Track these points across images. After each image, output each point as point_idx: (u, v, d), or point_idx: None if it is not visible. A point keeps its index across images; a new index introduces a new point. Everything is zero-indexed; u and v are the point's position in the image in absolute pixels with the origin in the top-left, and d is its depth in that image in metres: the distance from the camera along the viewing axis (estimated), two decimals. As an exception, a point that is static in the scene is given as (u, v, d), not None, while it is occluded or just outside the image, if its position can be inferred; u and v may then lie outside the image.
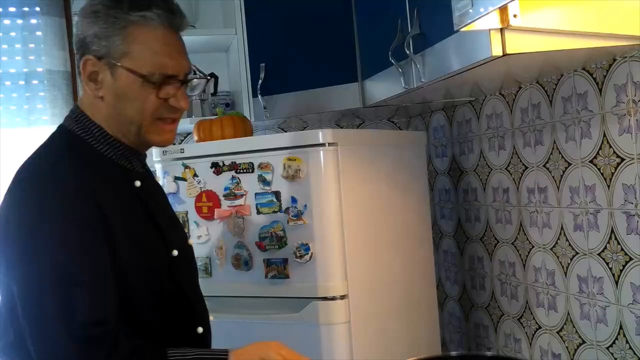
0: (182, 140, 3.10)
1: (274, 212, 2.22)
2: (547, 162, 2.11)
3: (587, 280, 1.96)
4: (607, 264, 1.87)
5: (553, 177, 2.08)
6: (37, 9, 2.83)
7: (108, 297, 1.29)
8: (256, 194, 2.24)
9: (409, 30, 1.94)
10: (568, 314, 2.07)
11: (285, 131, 3.14)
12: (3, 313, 1.34)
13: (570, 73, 1.95)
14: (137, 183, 1.46)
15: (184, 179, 2.37)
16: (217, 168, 2.31)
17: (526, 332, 2.33)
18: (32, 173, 1.37)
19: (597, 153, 1.87)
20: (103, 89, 1.40)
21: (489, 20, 1.44)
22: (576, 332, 2.04)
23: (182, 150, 2.38)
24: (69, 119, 1.45)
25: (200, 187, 2.34)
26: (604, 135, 1.83)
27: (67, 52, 2.86)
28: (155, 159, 2.42)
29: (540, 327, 2.24)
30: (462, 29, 1.47)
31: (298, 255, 2.18)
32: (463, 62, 1.67)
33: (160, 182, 2.28)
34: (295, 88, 2.62)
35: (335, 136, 2.19)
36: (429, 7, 1.85)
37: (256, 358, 1.36)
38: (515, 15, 1.42)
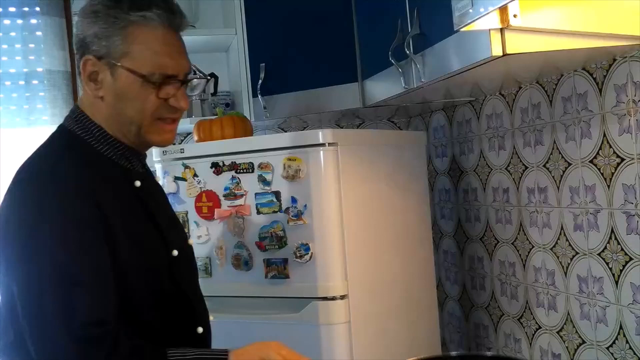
0: (182, 140, 3.10)
1: (274, 212, 2.22)
2: (547, 162, 2.11)
3: (587, 280, 1.96)
4: (607, 264, 1.87)
5: (553, 177, 2.08)
6: (37, 9, 2.83)
7: (108, 297, 1.29)
8: (256, 194, 2.24)
9: (409, 30, 1.94)
10: (568, 314, 2.07)
11: (285, 131, 3.14)
12: (3, 313, 1.34)
13: (570, 73, 1.95)
14: (137, 183, 1.46)
15: (184, 179, 2.37)
16: (217, 168, 2.31)
17: (526, 332, 2.33)
18: (32, 173, 1.37)
19: (597, 153, 1.87)
20: (103, 89, 1.40)
21: (489, 20, 1.44)
22: (576, 332, 2.04)
23: (182, 150, 2.38)
24: (69, 119, 1.45)
25: (200, 187, 2.34)
26: (604, 135, 1.83)
27: (67, 52, 2.86)
28: (155, 159, 2.42)
29: (540, 327, 2.24)
30: (462, 29, 1.47)
31: (298, 255, 2.18)
32: (463, 62, 1.67)
33: (160, 182, 2.28)
34: (295, 88, 2.62)
35: (335, 136, 2.19)
36: (429, 7, 1.85)
37: (256, 358, 1.36)
38: (515, 15, 1.42)
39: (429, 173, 2.88)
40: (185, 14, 1.46)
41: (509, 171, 2.34)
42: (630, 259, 1.78)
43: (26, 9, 2.84)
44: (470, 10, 1.38)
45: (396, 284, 2.37)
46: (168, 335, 1.41)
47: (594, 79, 1.85)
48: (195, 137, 2.48)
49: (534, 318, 2.27)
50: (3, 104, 2.83)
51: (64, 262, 1.26)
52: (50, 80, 2.83)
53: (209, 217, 2.33)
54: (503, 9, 1.42)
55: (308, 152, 2.18)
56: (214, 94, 2.75)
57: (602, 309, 1.91)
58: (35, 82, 2.85)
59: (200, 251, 2.29)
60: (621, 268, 1.81)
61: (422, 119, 3.06)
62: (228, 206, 2.29)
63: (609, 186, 1.83)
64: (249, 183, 2.26)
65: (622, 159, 1.77)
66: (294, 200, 2.19)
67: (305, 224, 2.18)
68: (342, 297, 2.18)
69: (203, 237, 2.34)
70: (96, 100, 1.42)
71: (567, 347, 2.10)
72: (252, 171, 2.25)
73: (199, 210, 2.35)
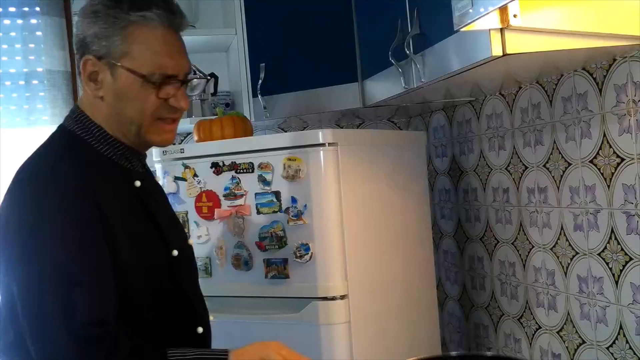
0: (182, 140, 3.10)
1: (274, 212, 2.22)
2: (547, 162, 2.11)
3: (587, 280, 1.96)
4: (607, 264, 1.87)
5: (553, 177, 2.08)
6: (37, 9, 2.83)
7: (108, 297, 1.30)
8: (256, 194, 2.24)
9: (409, 30, 1.94)
10: (568, 314, 2.07)
11: (285, 131, 3.14)
12: (3, 313, 1.34)
13: (570, 73, 1.95)
14: (137, 183, 1.46)
15: (184, 179, 2.37)
16: (217, 168, 2.31)
17: (526, 332, 2.33)
18: (32, 173, 1.37)
19: (597, 153, 1.87)
20: (103, 89, 1.40)
21: (489, 20, 1.44)
22: (576, 332, 2.04)
23: (182, 150, 2.38)
24: (69, 119, 1.45)
25: (200, 187, 2.34)
26: (604, 135, 1.83)
27: (67, 52, 2.86)
28: (155, 159, 2.42)
29: (540, 327, 2.24)
30: (462, 29, 1.47)
31: (298, 255, 2.18)
32: (463, 62, 1.67)
33: (160, 182, 2.28)
34: (295, 88, 2.62)
35: (335, 136, 2.19)
36: (429, 7, 1.85)
37: (256, 358, 1.36)
38: (515, 15, 1.42)
39: (429, 173, 2.88)
40: (185, 14, 1.46)
41: (509, 171, 2.34)
42: (630, 259, 1.78)
43: (26, 9, 2.84)
44: (470, 10, 1.38)
45: (396, 284, 2.37)
46: (168, 335, 1.41)
47: (594, 79, 1.85)
48: (195, 137, 2.48)
49: (534, 318, 2.27)
50: (3, 104, 2.83)
51: (64, 262, 1.26)
52: (50, 80, 2.83)
53: (209, 217, 2.33)
54: (503, 9, 1.42)
55: (308, 152, 2.18)
56: (214, 94, 2.75)
57: (602, 309, 1.91)
58: (35, 82, 2.85)
59: (200, 251, 2.29)
60: (621, 268, 1.81)
61: (422, 119, 3.06)
62: (228, 206, 2.29)
63: (609, 186, 1.83)
64: (249, 183, 2.26)
65: (622, 159, 1.77)
66: (294, 200, 2.19)
67: (305, 224, 2.18)
68: (342, 297, 2.18)
69: (203, 237, 2.34)
70: (96, 100, 1.42)
71: (567, 347, 2.10)
72: (252, 171, 2.25)
73: (199, 210, 2.35)
